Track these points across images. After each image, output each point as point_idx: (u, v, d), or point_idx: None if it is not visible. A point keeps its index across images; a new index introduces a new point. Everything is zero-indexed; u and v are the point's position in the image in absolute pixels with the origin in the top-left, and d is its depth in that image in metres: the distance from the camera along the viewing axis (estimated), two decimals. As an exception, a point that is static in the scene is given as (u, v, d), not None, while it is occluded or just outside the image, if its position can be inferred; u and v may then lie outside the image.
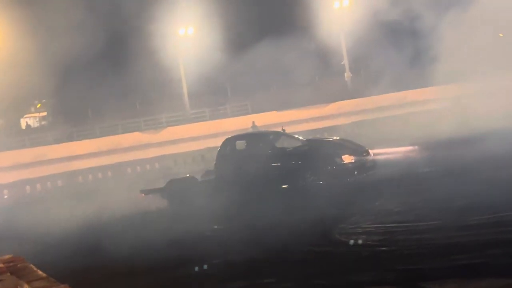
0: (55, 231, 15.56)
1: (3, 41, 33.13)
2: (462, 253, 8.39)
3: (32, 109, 45.58)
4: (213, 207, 15.91)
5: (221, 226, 13.76)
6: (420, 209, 11.92)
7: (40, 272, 6.77)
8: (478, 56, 32.74)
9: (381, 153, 17.84)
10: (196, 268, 9.75)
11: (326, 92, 40.62)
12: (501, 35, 35.43)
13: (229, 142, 17.84)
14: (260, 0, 39.52)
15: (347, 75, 42.98)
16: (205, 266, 9.74)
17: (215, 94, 42.43)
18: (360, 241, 10.10)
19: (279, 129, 28.12)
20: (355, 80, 43.53)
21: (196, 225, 14.11)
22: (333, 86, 41.96)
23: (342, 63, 42.59)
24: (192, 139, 35.25)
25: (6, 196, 27.87)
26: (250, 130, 33.65)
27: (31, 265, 7.20)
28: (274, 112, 39.01)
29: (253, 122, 34.23)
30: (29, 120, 44.50)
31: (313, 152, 16.63)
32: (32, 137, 37.04)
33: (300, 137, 17.95)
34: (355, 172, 16.30)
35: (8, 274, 6.65)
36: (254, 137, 18.31)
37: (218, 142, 33.14)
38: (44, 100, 44.45)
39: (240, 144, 17.68)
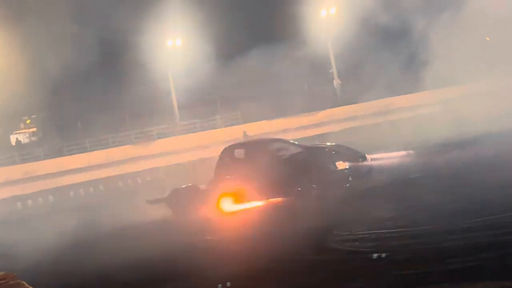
0: (47, 247, 15.47)
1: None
2: (455, 257, 8.40)
3: (22, 125, 45.40)
4: (213, 215, 15.92)
5: (215, 236, 13.71)
6: (413, 214, 11.93)
7: (32, 289, 6.71)
8: (465, 61, 32.91)
9: (378, 158, 17.83)
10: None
11: (316, 100, 40.65)
12: (487, 38, 35.65)
13: (228, 150, 17.91)
14: (247, 10, 39.59)
15: (336, 82, 43.09)
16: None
17: (205, 105, 42.39)
18: (353, 248, 10.10)
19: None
20: (344, 88, 43.63)
21: (191, 236, 14.07)
22: (322, 94, 42.01)
23: (331, 71, 42.70)
24: (183, 150, 35.19)
25: (-3, 213, 27.72)
26: (242, 140, 33.71)
27: (23, 282, 7.15)
28: (265, 121, 38.96)
29: (245, 132, 34.21)
30: (19, 136, 44.35)
31: (308, 159, 16.67)
32: (22, 153, 36.85)
33: (298, 144, 18.00)
34: (350, 178, 16.31)
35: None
36: (252, 145, 18.32)
37: (209, 153, 33.34)
38: (33, 116, 44.28)
39: (239, 153, 17.70)
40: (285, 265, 9.94)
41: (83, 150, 36.54)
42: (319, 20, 39.85)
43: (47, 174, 32.80)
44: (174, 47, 38.68)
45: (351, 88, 43.50)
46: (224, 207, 16.73)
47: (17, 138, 42.69)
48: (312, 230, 12.07)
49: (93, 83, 36.29)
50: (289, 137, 34.44)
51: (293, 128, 37.22)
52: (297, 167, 16.53)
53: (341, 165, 16.28)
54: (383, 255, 9.23)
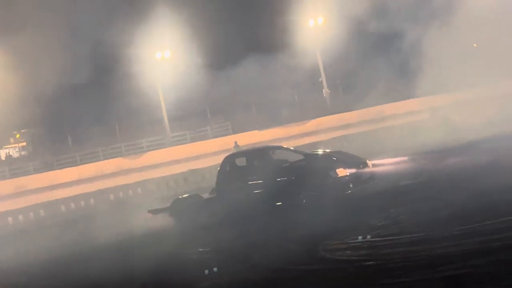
0: (39, 262, 15.42)
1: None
2: (447, 264, 8.43)
3: (12, 140, 45.24)
4: (212, 225, 15.89)
5: (208, 248, 13.69)
6: (405, 221, 11.96)
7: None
8: (454, 68, 33.11)
9: (379, 164, 17.81)
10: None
11: (306, 109, 40.78)
12: (475, 45, 35.88)
13: (229, 159, 17.89)
14: (236, 22, 39.70)
15: (325, 91, 43.21)
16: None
17: (195, 116, 42.41)
18: (345, 257, 10.13)
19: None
20: (333, 96, 43.78)
21: (184, 247, 14.05)
22: (312, 103, 42.15)
23: (320, 79, 42.83)
24: (174, 162, 35.17)
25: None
26: (233, 150, 33.73)
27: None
28: (255, 131, 39.05)
29: (236, 142, 34.23)
30: (10, 150, 44.16)
31: (308, 167, 16.59)
32: (12, 167, 36.74)
33: (299, 151, 18.00)
34: (351, 185, 16.21)
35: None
36: (254, 153, 18.17)
37: (200, 164, 33.38)
38: (23, 130, 44.15)
39: (240, 161, 17.68)
40: (278, 275, 9.95)
41: (73, 163, 36.49)
42: (307, 30, 40.01)
43: (38, 189, 32.70)
44: (163, 59, 38.70)
45: (341, 97, 43.67)
46: (226, 216, 16.71)
47: (7, 153, 42.55)
48: (305, 239, 12.08)
49: (83, 97, 36.25)
50: (279, 147, 34.66)
51: (283, 138, 37.26)
52: (298, 175, 16.46)
53: (342, 172, 16.17)
54: (376, 263, 9.26)
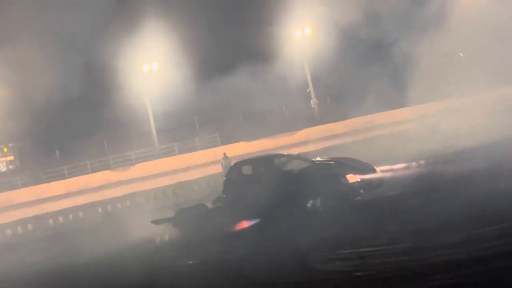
0: (29, 276, 15.30)
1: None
2: (437, 274, 8.43)
3: (-1, 154, 44.99)
4: (218, 235, 15.79)
5: (198, 260, 13.60)
6: (394, 231, 11.96)
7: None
8: (442, 77, 33.31)
9: (387, 170, 17.76)
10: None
11: (294, 120, 40.80)
12: (461, 54, 36.12)
13: (236, 167, 17.76)
14: (224, 33, 39.75)
15: (313, 102, 43.29)
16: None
17: (183, 128, 42.34)
18: (336, 268, 10.11)
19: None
20: (321, 107, 43.85)
21: (174, 260, 13.98)
22: (300, 113, 42.18)
23: (308, 90, 42.91)
24: (162, 174, 35.06)
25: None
26: (222, 162, 33.68)
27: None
28: (244, 142, 39.01)
29: (224, 154, 34.18)
30: (-3, 165, 43.89)
31: (318, 173, 16.44)
32: (0, 182, 36.49)
33: (305, 158, 17.90)
34: (361, 191, 16.13)
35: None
36: (260, 162, 17.94)
37: (188, 176, 33.33)
38: (10, 144, 43.89)
39: (247, 169, 17.51)
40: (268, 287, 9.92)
41: (61, 177, 36.28)
42: (295, 41, 40.12)
43: (26, 202, 32.48)
44: (151, 71, 38.67)
45: (329, 107, 43.75)
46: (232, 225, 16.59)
47: (-6, 167, 42.24)
48: (296, 250, 12.05)
49: (70, 110, 36.13)
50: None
51: (271, 149, 37.23)
52: (309, 181, 16.31)
53: (353, 178, 16.10)
54: (365, 273, 9.24)
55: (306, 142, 38.05)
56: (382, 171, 17.69)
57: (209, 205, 17.86)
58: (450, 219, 11.63)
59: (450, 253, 9.29)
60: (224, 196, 17.48)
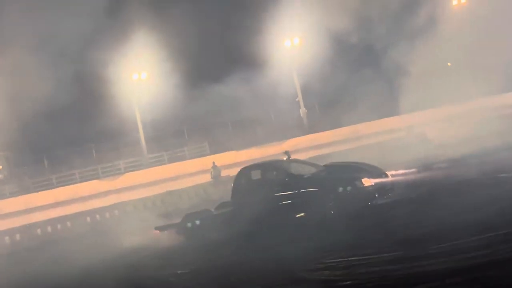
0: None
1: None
2: (423, 283, 8.45)
3: (-13, 164, 44.75)
4: (226, 240, 15.70)
5: (187, 269, 13.55)
6: (381, 240, 11.98)
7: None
8: (430, 86, 33.47)
9: (398, 174, 17.73)
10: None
11: (283, 129, 40.86)
12: (449, 64, 36.33)
13: (244, 172, 17.54)
14: (213, 42, 39.79)
15: (302, 111, 43.39)
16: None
17: (173, 137, 42.30)
18: (323, 277, 10.11)
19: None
20: (310, 116, 43.94)
21: (162, 269, 13.93)
22: (289, 122, 42.25)
23: (297, 99, 43.00)
24: (151, 183, 34.98)
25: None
26: (212, 171, 33.67)
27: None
28: (233, 151, 39.04)
29: (214, 163, 34.21)
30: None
31: (332, 177, 16.32)
32: (-13, 191, 36.29)
33: (312, 162, 17.83)
34: (376, 195, 16.02)
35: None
36: (269, 166, 17.79)
37: (177, 185, 33.25)
38: (-2, 154, 43.72)
39: (256, 174, 17.31)
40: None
41: (50, 186, 36.17)
42: (284, 50, 40.23)
43: (14, 212, 32.32)
44: (140, 80, 38.63)
45: (318, 116, 43.84)
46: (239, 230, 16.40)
47: (-17, 177, 42.00)
48: (284, 259, 12.05)
49: (59, 119, 36.01)
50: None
51: (260, 158, 37.21)
52: (322, 185, 16.15)
53: (368, 181, 15.97)
54: (353, 283, 9.26)
55: (295, 151, 37.96)
56: (405, 174, 17.69)
57: (214, 211, 17.74)
58: (436, 228, 11.68)
59: (437, 262, 9.32)
60: (232, 201, 17.26)
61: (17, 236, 28.57)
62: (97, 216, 29.69)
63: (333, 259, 11.12)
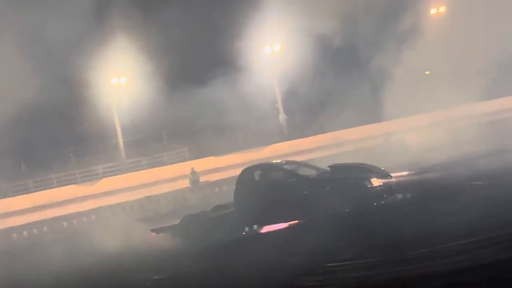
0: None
1: None
2: (403, 288, 8.47)
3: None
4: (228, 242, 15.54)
5: (165, 274, 13.43)
6: (360, 245, 11.98)
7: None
8: (410, 94, 33.69)
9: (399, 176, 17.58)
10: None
11: (263, 135, 40.87)
12: (427, 72, 36.59)
13: (247, 173, 17.22)
14: (193, 47, 39.69)
15: (282, 117, 43.44)
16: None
17: (151, 142, 42.14)
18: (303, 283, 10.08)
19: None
20: (290, 122, 44.01)
21: (139, 274, 13.81)
22: (269, 128, 42.27)
23: (276, 105, 43.05)
24: (129, 189, 34.78)
25: None
26: (191, 177, 33.57)
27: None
28: (212, 157, 38.96)
29: (192, 169, 34.10)
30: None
31: (341, 177, 16.17)
32: (-37, 196, 35.85)
33: (313, 165, 17.51)
34: (384, 195, 15.94)
35: None
36: (273, 166, 17.53)
37: (156, 190, 33.06)
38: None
39: (259, 175, 17.02)
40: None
41: (26, 190, 35.84)
42: (264, 56, 40.27)
43: (-10, 217, 31.95)
44: (119, 84, 38.44)
45: (298, 123, 43.92)
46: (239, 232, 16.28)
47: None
48: (266, 264, 11.99)
49: (37, 122, 35.70)
50: (236, 172, 34.65)
51: (240, 164, 37.18)
52: (331, 186, 15.99)
53: (376, 182, 15.89)
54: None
55: (275, 158, 38.07)
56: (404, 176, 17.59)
57: (212, 213, 17.46)
58: (413, 234, 11.70)
59: (415, 268, 9.33)
60: (235, 202, 16.94)
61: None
62: (74, 221, 29.45)
63: (312, 265, 11.09)
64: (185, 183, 33.40)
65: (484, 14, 31.96)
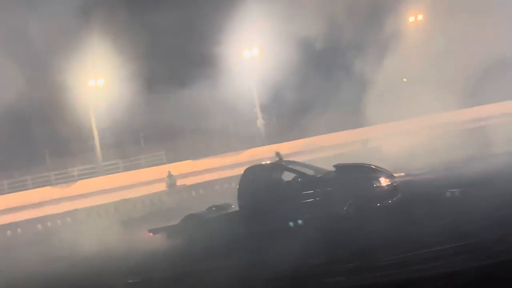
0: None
1: None
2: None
3: None
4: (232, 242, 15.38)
5: (138, 278, 13.34)
6: (333, 252, 11.98)
7: None
8: (387, 100, 33.84)
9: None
10: None
11: (240, 139, 40.88)
12: (404, 79, 36.81)
13: (251, 172, 16.91)
14: (171, 50, 39.62)
15: (260, 122, 43.47)
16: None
17: (129, 144, 41.95)
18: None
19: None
20: (268, 127, 44.06)
21: (113, 277, 13.70)
22: (246, 133, 42.29)
23: (254, 110, 43.08)
24: (105, 191, 34.56)
25: None
26: (167, 181, 33.41)
27: None
28: (190, 161, 38.87)
29: (169, 172, 33.98)
30: None
31: (348, 177, 15.97)
32: None
33: (313, 165, 17.25)
34: (392, 195, 15.81)
35: None
36: (279, 166, 17.05)
37: (132, 193, 32.85)
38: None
39: (264, 174, 16.76)
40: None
41: (1, 192, 35.56)
42: (243, 60, 40.28)
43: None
44: (96, 87, 38.23)
45: (274, 128, 43.98)
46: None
47: None
48: (240, 268, 11.94)
49: (12, 124, 35.38)
50: (213, 176, 34.63)
51: (217, 168, 37.24)
52: (340, 185, 15.75)
53: (385, 181, 15.79)
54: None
55: (251, 162, 38.02)
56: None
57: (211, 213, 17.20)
58: (386, 241, 11.73)
59: (388, 274, 9.35)
60: (239, 202, 16.63)
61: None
62: (49, 223, 29.13)
63: (285, 270, 11.06)
64: (162, 187, 33.25)
65: (462, 23, 32.22)
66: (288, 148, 39.31)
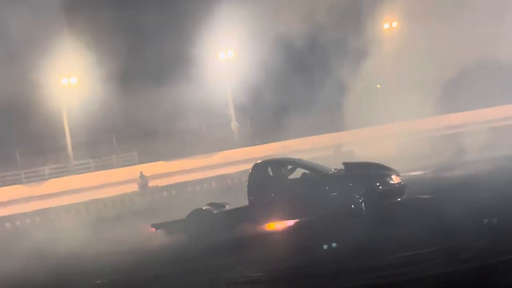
0: None
1: None
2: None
3: None
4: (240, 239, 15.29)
5: (107, 279, 13.18)
6: (304, 255, 11.97)
7: None
8: (360, 107, 34.02)
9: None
10: None
11: (214, 141, 40.80)
12: (378, 86, 37.04)
13: (261, 167, 16.58)
14: (146, 50, 39.43)
15: (234, 124, 43.43)
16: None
17: (101, 144, 41.61)
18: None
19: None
20: (242, 130, 44.03)
21: (82, 277, 13.55)
22: (220, 135, 42.23)
23: (229, 112, 43.04)
24: (76, 191, 34.28)
25: None
26: (139, 181, 33.21)
27: None
28: (162, 162, 38.71)
29: (141, 172, 33.77)
30: None
31: (363, 174, 15.80)
32: None
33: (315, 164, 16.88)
34: (401, 193, 15.64)
35: None
36: (287, 162, 16.81)
37: (103, 193, 32.62)
38: None
39: (274, 170, 16.43)
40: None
41: (-30, 190, 35.06)
42: (218, 63, 40.24)
43: None
44: (69, 85, 37.89)
45: (249, 130, 43.96)
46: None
47: None
48: (208, 271, 11.86)
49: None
50: (186, 178, 34.49)
51: (189, 169, 37.14)
52: (353, 182, 15.54)
53: (396, 179, 15.65)
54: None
55: (225, 164, 38.06)
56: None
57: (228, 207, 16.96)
58: (358, 246, 11.75)
59: (358, 279, 9.36)
60: (249, 197, 16.33)
61: None
62: (18, 222, 28.77)
63: (257, 273, 11.03)
64: (134, 187, 33.05)
65: (436, 30, 32.52)
66: (262, 151, 39.37)
